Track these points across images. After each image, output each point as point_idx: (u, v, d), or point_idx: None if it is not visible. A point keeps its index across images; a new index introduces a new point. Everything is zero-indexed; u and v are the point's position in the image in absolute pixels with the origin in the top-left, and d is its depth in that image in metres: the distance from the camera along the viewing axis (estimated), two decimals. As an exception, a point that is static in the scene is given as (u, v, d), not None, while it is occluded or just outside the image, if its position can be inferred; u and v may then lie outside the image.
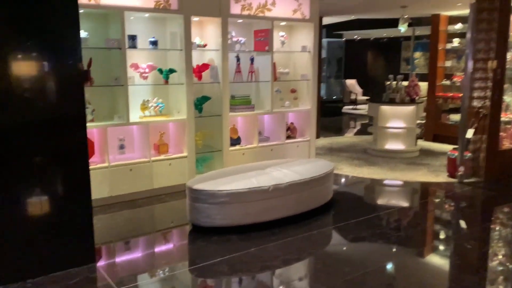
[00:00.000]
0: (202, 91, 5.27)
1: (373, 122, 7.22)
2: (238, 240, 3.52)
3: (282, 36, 5.70)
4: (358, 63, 14.62)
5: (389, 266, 3.23)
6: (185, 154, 4.88)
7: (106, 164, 4.38)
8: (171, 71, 4.79)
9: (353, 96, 13.34)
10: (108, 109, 4.62)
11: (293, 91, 6.02)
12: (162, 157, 4.75)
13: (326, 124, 10.52)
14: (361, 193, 5.21)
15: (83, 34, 4.24)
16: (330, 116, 12.13)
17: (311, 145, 5.98)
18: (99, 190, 4.33)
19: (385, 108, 6.78)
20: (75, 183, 3.03)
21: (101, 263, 3.18)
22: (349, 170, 5.95)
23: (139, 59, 4.76)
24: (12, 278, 2.85)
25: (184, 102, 4.81)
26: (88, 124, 4.29)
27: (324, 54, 12.55)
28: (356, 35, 13.54)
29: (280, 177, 3.89)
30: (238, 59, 5.37)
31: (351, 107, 13.54)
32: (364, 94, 13.41)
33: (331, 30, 12.95)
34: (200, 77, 5.06)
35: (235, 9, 5.05)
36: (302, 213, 4.00)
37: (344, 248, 3.61)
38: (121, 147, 4.68)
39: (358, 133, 9.57)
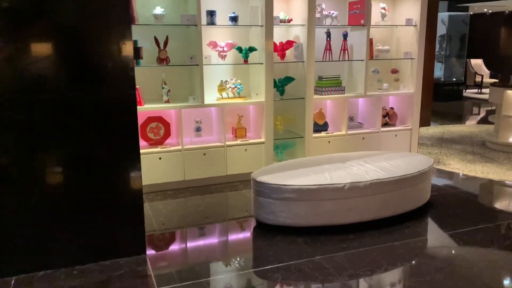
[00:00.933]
0: (286, 72, 4.81)
1: (496, 110, 6.04)
2: (303, 244, 3.06)
3: (383, 8, 4.93)
4: (487, 40, 12.67)
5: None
6: (262, 139, 4.50)
7: (179, 147, 4.21)
8: (251, 49, 4.41)
9: (478, 78, 11.63)
10: (185, 89, 4.42)
11: (393, 71, 5.23)
12: (238, 141, 4.44)
13: (442, 109, 9.30)
14: (470, 196, 4.31)
15: (158, 10, 4.06)
16: (447, 100, 10.74)
17: (413, 134, 5.16)
18: (172, 173, 4.19)
19: (511, 94, 5.59)
20: (126, 167, 2.83)
21: (152, 254, 2.99)
22: (458, 167, 5.02)
23: (218, 37, 4.46)
24: (61, 263, 2.78)
25: (263, 84, 4.41)
26: (163, 105, 4.19)
27: (443, 30, 11.07)
28: (486, 8, 11.69)
29: (361, 174, 3.30)
30: (328, 35, 4.78)
31: (475, 90, 11.85)
32: (492, 77, 11.60)
33: (455, 2, 11.34)
34: (283, 56, 4.60)
35: (326, -23, 4.46)
36: (386, 218, 3.37)
37: (438, 266, 2.89)
38: (198, 129, 4.47)
39: (481, 121, 8.24)
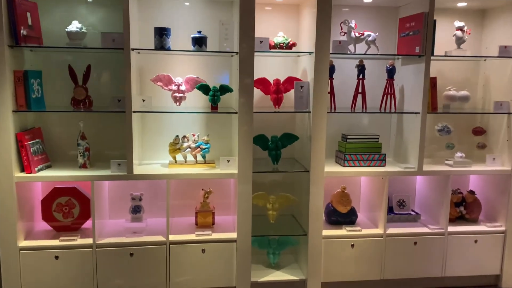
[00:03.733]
0: (285, 126, 3.06)
1: None
2: None
3: (460, 28, 2.97)
4: None
5: None
6: (233, 235, 2.75)
7: (90, 241, 2.63)
8: (224, 89, 2.76)
9: None
10: (115, 148, 2.87)
11: (477, 132, 3.18)
12: (193, 236, 2.74)
13: None
14: None
15: (74, 27, 2.62)
16: None
17: (508, 241, 3.01)
18: (74, 286, 2.62)
19: None
20: None
21: None
22: None
23: (175, 68, 2.90)
24: None
25: (235, 144, 2.71)
26: (75, 173, 2.68)
27: None
28: None
29: None
30: (361, 71, 2.95)
31: None
32: None
33: None
34: (278, 101, 2.86)
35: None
36: None
37: None
38: (135, 210, 2.87)
39: None
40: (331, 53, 2.71)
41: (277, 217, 2.94)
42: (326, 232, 2.85)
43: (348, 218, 3.01)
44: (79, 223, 2.79)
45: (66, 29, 2.61)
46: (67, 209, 2.77)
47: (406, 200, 3.22)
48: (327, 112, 2.75)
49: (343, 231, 2.91)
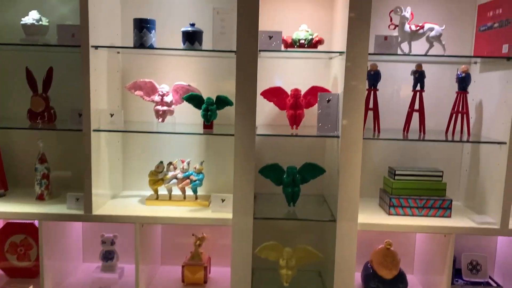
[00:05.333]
0: (308, 153, 2.26)
1: None
2: None
3: None
4: None
5: None
6: (224, 304, 2.00)
7: (41, 296, 2.01)
8: (222, 102, 2.03)
9: None
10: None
11: None
12: (172, 299, 2.04)
13: None
14: None
15: (31, 18, 2.03)
16: None
17: None
18: None
19: None
20: None
21: None
22: None
23: (159, 72, 2.22)
24: None
25: (230, 178, 1.96)
26: (30, 208, 2.08)
27: None
28: None
29: None
30: (418, 79, 2.07)
31: None
32: None
33: None
34: (295, 120, 2.07)
35: None
36: None
37: None
38: (107, 256, 2.22)
39: None
40: (371, 54, 1.88)
41: (297, 275, 2.14)
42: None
43: (394, 286, 2.13)
44: (38, 267, 2.20)
45: (21, 21, 2.03)
46: (22, 250, 2.18)
47: (482, 262, 2.26)
48: (364, 138, 1.91)
49: (385, 307, 2.05)
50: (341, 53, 1.92)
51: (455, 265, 2.26)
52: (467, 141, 2.08)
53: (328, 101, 1.97)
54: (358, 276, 2.23)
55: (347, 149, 1.88)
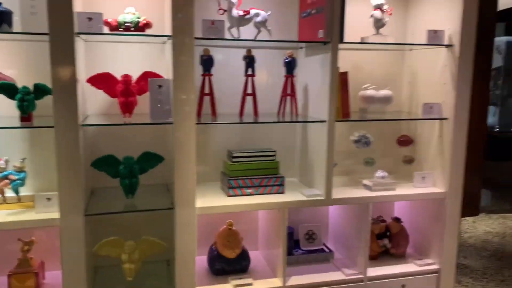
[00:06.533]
0: (149, 142, 2.19)
1: None
2: None
3: (378, 7, 2.23)
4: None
5: None
6: (58, 310, 1.85)
7: None
8: (40, 91, 1.83)
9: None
10: None
11: (403, 142, 2.48)
12: (-5, 314, 1.82)
13: (497, 175, 6.34)
14: None
15: None
16: (505, 158, 7.66)
17: (442, 282, 2.35)
18: None
19: None
20: None
21: None
22: None
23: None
24: None
25: (54, 174, 1.80)
26: None
27: (500, 61, 8.14)
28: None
29: None
30: (249, 62, 2.14)
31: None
32: None
33: (515, 25, 8.39)
34: (128, 107, 1.98)
35: None
36: None
37: None
38: None
39: None
40: (198, 38, 1.87)
41: (145, 267, 2.07)
42: None
43: (237, 265, 2.21)
44: None
45: None
46: None
47: (317, 231, 2.48)
48: (200, 123, 1.91)
49: (228, 286, 2.11)
50: (169, 37, 1.87)
51: (294, 236, 2.44)
52: (295, 121, 2.22)
53: (160, 86, 1.92)
54: (205, 260, 2.26)
55: (181, 135, 1.86)
